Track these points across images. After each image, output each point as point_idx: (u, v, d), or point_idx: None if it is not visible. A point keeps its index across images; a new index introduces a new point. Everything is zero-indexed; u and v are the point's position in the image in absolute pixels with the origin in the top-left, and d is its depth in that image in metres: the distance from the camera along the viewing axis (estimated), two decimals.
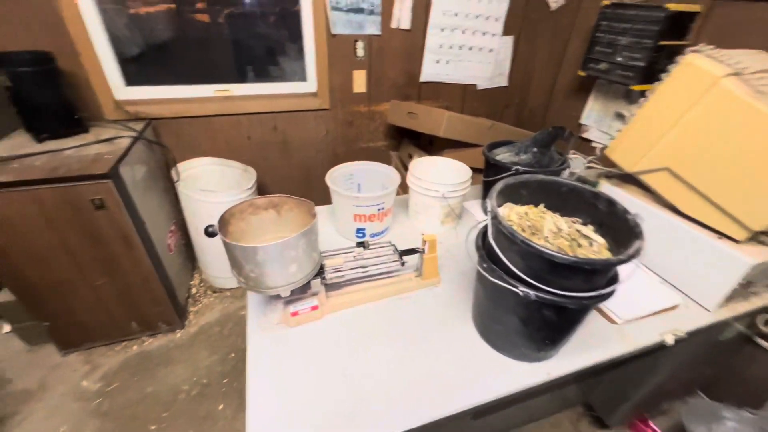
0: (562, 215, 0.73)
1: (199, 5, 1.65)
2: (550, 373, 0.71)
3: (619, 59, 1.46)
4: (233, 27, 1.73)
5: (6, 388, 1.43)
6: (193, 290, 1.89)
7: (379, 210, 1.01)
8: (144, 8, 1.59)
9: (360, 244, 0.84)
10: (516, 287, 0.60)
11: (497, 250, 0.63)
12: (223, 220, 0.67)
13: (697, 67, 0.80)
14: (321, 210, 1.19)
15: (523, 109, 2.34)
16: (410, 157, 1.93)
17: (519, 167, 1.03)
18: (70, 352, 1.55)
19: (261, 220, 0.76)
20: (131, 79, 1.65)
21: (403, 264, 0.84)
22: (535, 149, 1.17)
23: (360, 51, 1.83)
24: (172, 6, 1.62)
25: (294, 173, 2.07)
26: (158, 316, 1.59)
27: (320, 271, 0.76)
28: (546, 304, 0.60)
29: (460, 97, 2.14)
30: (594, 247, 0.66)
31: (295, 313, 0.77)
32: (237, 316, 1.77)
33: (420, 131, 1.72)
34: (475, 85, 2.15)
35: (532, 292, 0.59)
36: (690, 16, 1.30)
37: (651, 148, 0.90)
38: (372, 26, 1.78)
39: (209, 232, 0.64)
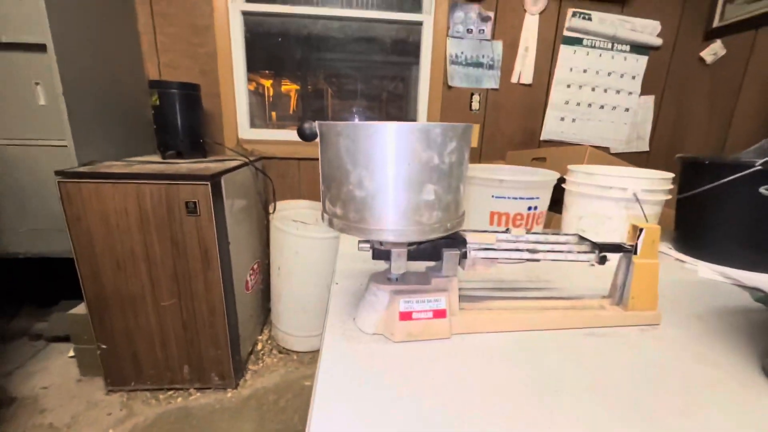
0: None
1: (332, 77, 1.80)
2: None
3: None
4: (351, 80, 1.82)
5: (36, 417, 1.22)
6: (258, 346, 1.61)
7: (529, 209, 0.69)
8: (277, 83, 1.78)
9: (507, 230, 0.51)
10: None
11: None
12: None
13: None
14: None
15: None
16: None
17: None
18: (115, 390, 1.33)
19: None
20: (254, 123, 1.77)
21: (603, 261, 0.47)
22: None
23: (476, 104, 1.74)
24: (294, 86, 1.79)
25: None
26: (214, 365, 1.32)
27: (459, 240, 0.45)
28: None
29: None
30: None
31: (407, 315, 0.44)
32: (299, 387, 1.40)
33: None
34: (607, 148, 1.84)
35: None
36: None
37: None
38: (490, 80, 1.71)
39: (305, 129, 0.40)
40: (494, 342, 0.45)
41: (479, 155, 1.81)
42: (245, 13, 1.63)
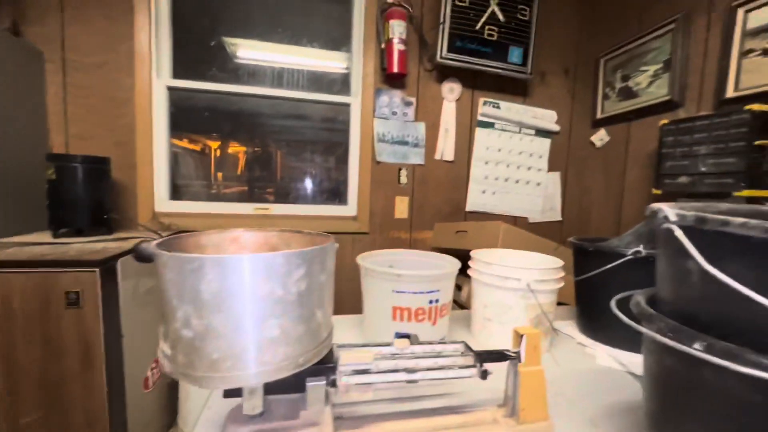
0: None
1: (257, 148, 1.80)
2: None
3: (702, 168, 1.27)
4: (284, 155, 1.83)
5: None
6: None
7: (431, 303, 0.67)
8: (205, 143, 1.75)
9: (402, 336, 0.49)
10: None
11: (752, 296, 0.28)
12: (179, 248, 0.39)
13: None
14: (346, 320, 0.86)
15: None
16: (459, 288, 1.61)
17: (640, 250, 0.71)
18: None
19: None
20: (176, 195, 1.67)
21: (485, 376, 0.45)
22: (639, 247, 0.85)
23: (404, 178, 1.81)
24: (242, 149, 1.78)
25: None
26: None
27: (328, 365, 0.40)
28: None
29: None
30: None
31: None
32: None
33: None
34: (526, 218, 1.99)
35: None
36: None
37: None
38: (416, 157, 1.81)
39: (139, 251, 0.35)
40: None
41: (410, 225, 1.85)
42: (171, 89, 1.61)
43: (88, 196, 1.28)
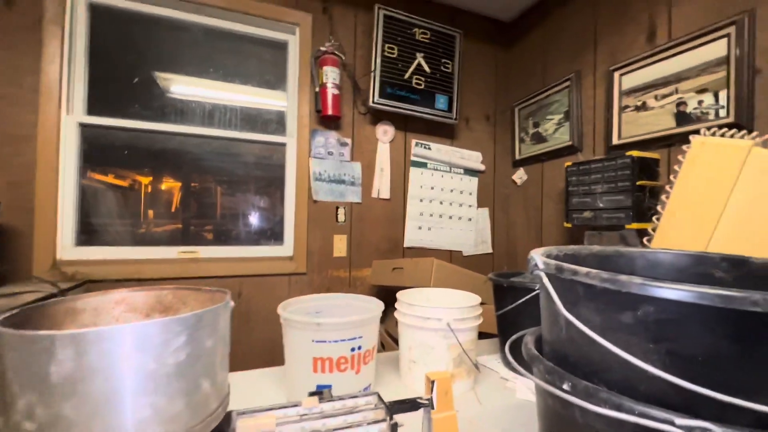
0: None
1: (190, 185, 1.71)
2: None
3: (600, 204, 1.45)
4: (211, 193, 1.76)
5: None
6: None
7: (353, 351, 0.66)
8: (123, 180, 1.63)
9: (314, 394, 0.47)
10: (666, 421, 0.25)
11: (594, 338, 0.31)
12: (42, 317, 0.35)
13: (720, 145, 0.70)
14: (269, 374, 0.81)
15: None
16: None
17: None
18: None
19: None
20: (84, 240, 1.50)
21: (394, 430, 0.44)
22: None
23: (341, 216, 1.82)
24: (177, 185, 1.67)
25: (255, 350, 1.65)
26: None
27: None
28: None
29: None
30: None
31: None
32: None
33: (407, 287, 1.48)
34: (460, 252, 2.08)
35: (711, 427, 0.24)
36: (654, 162, 1.38)
37: (708, 238, 0.69)
38: (353, 195, 1.84)
39: None
40: None
41: (349, 264, 1.84)
42: (84, 125, 1.49)
43: None
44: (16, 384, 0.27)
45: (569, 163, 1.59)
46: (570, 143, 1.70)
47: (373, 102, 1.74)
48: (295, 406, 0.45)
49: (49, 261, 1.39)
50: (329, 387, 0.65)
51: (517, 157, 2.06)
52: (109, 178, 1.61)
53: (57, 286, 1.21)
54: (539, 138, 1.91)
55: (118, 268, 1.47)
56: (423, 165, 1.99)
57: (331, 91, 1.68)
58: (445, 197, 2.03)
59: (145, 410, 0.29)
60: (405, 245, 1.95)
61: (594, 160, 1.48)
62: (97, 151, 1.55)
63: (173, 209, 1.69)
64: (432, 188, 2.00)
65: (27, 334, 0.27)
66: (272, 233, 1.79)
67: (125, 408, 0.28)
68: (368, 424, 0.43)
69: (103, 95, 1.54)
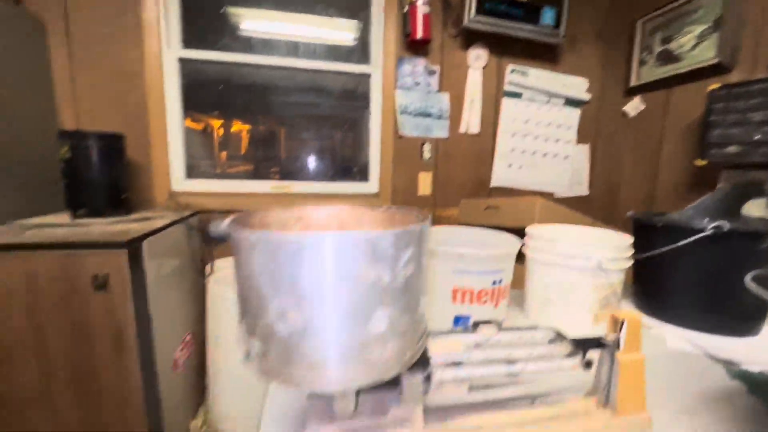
0: None
1: (269, 125, 1.72)
2: None
3: (756, 137, 1.18)
4: (299, 131, 1.76)
5: None
6: None
7: (494, 284, 0.62)
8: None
9: (477, 325, 0.43)
10: None
11: None
12: (244, 226, 0.33)
13: None
14: None
15: (612, 221, 2.00)
16: None
17: (721, 225, 0.64)
18: None
19: None
20: (192, 173, 1.61)
21: (589, 366, 0.40)
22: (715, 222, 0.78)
23: (427, 153, 1.74)
24: (245, 127, 1.70)
25: None
26: None
27: (421, 361, 0.35)
28: None
29: None
30: None
31: None
32: None
33: (503, 227, 1.40)
34: (551, 194, 1.92)
35: None
36: None
37: None
38: (439, 130, 1.73)
39: (211, 231, 0.30)
40: None
41: (433, 203, 1.79)
42: (182, 60, 1.52)
43: (104, 175, 1.22)
44: (268, 287, 0.26)
45: (715, 86, 1.30)
46: (716, 61, 1.38)
47: (468, 20, 1.53)
48: (470, 330, 0.42)
49: (165, 192, 1.53)
50: (468, 318, 0.63)
51: (634, 83, 1.74)
52: (187, 122, 1.67)
53: (179, 214, 1.33)
54: (668, 57, 1.58)
55: (220, 201, 1.57)
56: (517, 95, 1.77)
57: (421, 9, 1.50)
58: (540, 132, 1.82)
59: (382, 322, 0.27)
60: (492, 185, 1.83)
61: (757, 80, 1.18)
62: (193, 89, 1.59)
63: (242, 150, 1.74)
64: (526, 122, 1.80)
65: (278, 236, 0.25)
66: (358, 170, 1.78)
67: (367, 320, 0.26)
68: (561, 357, 0.39)
69: (194, 29, 1.54)
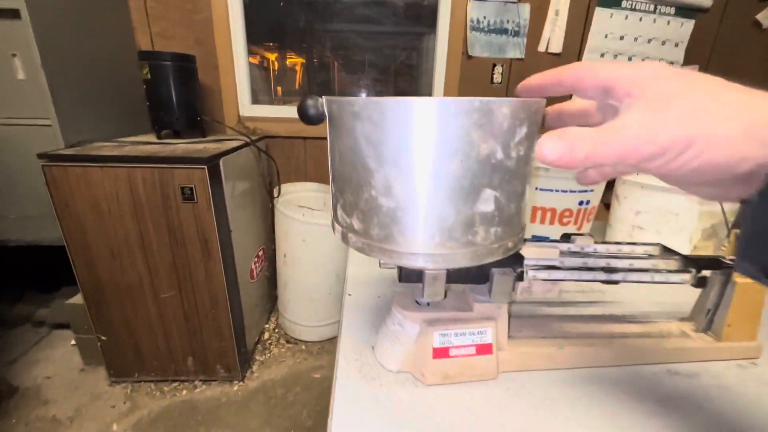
0: None
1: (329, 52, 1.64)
2: None
3: None
4: (356, 58, 1.67)
5: (40, 409, 1.18)
6: (265, 335, 1.56)
7: (581, 204, 0.57)
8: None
9: (569, 236, 0.40)
10: None
11: None
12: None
13: None
14: None
15: None
16: None
17: None
18: (118, 382, 1.29)
19: None
20: (257, 98, 1.64)
21: (702, 283, 0.36)
22: None
23: (497, 76, 1.58)
24: (300, 60, 1.63)
25: None
26: (218, 357, 1.26)
27: (514, 260, 0.34)
28: None
29: None
30: None
31: (442, 352, 0.34)
32: (308, 379, 1.35)
33: None
34: None
35: None
36: None
37: None
38: (514, 49, 1.54)
39: (307, 107, 0.29)
40: (553, 383, 0.35)
41: None
42: None
43: (181, 96, 1.28)
44: (372, 159, 0.24)
45: None
46: None
47: None
48: (567, 240, 0.39)
49: (235, 116, 1.58)
50: (546, 239, 0.60)
51: None
52: (261, 51, 1.64)
53: (249, 138, 1.38)
54: None
55: (285, 126, 1.60)
56: (616, 3, 1.49)
57: None
58: (638, 50, 1.55)
59: (489, 203, 0.25)
60: None
61: None
62: (253, 11, 1.55)
63: (312, 81, 1.69)
64: (621, 38, 1.53)
65: (384, 100, 0.23)
66: (420, 95, 1.69)
67: (475, 197, 0.25)
68: (669, 271, 0.36)
69: None
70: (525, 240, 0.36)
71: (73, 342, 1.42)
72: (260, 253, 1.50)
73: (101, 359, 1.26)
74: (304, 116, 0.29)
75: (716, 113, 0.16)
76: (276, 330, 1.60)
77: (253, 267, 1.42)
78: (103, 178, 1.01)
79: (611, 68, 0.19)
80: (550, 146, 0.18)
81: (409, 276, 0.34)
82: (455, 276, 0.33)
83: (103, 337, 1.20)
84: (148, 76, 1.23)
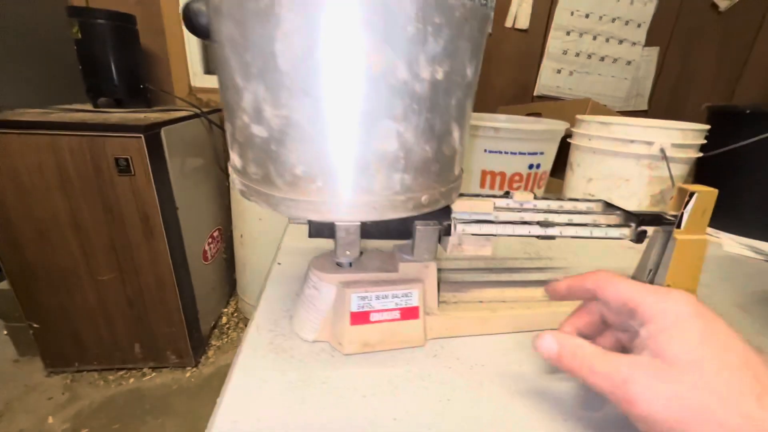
0: None
1: None
2: None
3: None
4: None
5: None
6: (223, 319, 1.49)
7: (531, 168, 0.54)
8: None
9: (509, 193, 0.37)
10: None
11: None
12: None
13: None
14: None
15: None
16: None
17: None
18: (57, 372, 1.19)
19: None
20: (210, 69, 1.52)
21: (641, 238, 0.34)
22: None
23: None
24: None
25: None
26: (168, 343, 1.19)
27: (441, 213, 0.30)
28: None
29: None
30: None
31: (362, 317, 0.30)
32: None
33: None
34: (605, 106, 1.69)
35: None
36: None
37: None
38: None
39: (192, 11, 0.23)
40: (486, 349, 0.32)
41: None
42: None
43: (120, 61, 1.16)
44: (238, 74, 0.19)
45: None
46: None
47: None
48: (506, 195, 0.36)
49: (185, 87, 1.46)
50: None
51: None
52: None
53: (199, 109, 1.28)
54: None
55: None
56: None
57: None
58: (602, 29, 1.55)
59: (389, 140, 0.20)
60: (535, 92, 1.63)
61: None
62: None
63: None
64: (587, 16, 1.52)
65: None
66: None
67: (367, 129, 0.20)
68: (609, 226, 0.33)
69: None
70: (461, 195, 0.32)
71: (5, 332, 1.30)
72: (215, 233, 1.42)
73: (36, 349, 1.15)
74: (189, 22, 0.23)
75: (721, 417, 0.15)
76: (235, 314, 1.53)
77: (207, 248, 1.34)
78: (22, 147, 0.90)
79: (634, 289, 0.21)
80: (545, 344, 0.20)
81: (320, 231, 0.29)
82: (374, 230, 0.29)
83: (35, 325, 1.10)
84: (79, 35, 1.10)
